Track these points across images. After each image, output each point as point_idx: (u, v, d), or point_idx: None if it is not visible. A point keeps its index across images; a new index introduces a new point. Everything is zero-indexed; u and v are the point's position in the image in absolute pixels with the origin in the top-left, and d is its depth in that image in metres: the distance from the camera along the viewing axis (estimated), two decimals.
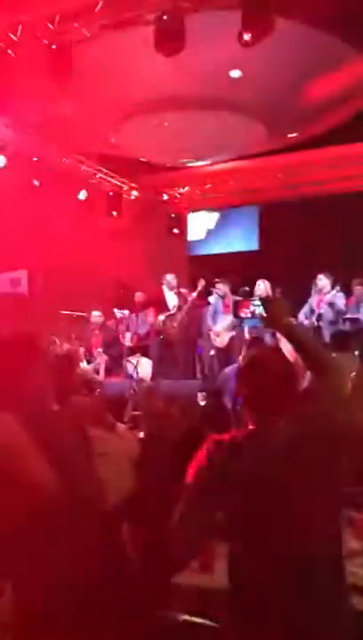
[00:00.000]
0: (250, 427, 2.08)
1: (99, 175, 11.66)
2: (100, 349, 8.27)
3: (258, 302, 7.58)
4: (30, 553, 1.87)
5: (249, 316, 7.43)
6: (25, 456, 1.88)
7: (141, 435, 4.80)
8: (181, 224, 12.31)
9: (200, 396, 6.16)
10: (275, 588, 1.89)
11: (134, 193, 12.51)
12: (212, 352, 9.23)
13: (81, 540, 1.92)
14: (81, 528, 1.94)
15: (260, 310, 7.27)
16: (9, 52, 7.38)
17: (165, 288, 8.78)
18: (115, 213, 11.82)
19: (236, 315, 7.67)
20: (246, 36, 5.84)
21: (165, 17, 6.41)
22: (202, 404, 6.02)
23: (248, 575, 1.95)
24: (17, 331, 2.25)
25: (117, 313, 9.43)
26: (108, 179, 11.90)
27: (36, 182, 10.65)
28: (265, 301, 2.36)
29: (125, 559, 2.09)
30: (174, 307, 8.57)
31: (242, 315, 7.42)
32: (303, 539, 1.91)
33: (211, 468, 2.00)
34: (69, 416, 2.36)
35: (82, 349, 7.79)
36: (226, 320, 9.04)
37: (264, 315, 2.33)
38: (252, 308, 7.48)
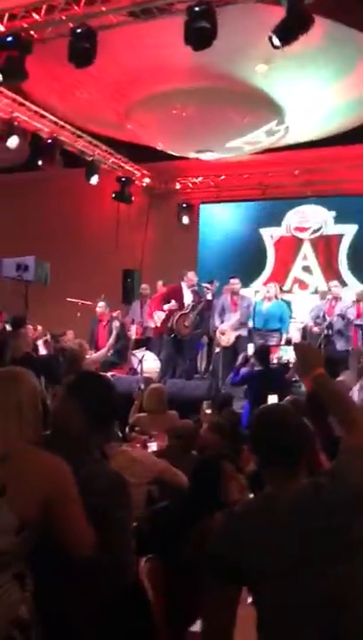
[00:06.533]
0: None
1: (112, 160, 11.43)
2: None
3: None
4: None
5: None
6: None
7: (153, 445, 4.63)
8: (193, 214, 12.08)
9: (206, 404, 6.00)
10: None
11: (146, 180, 12.29)
12: (217, 350, 9.07)
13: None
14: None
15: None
16: (31, 32, 7.17)
17: (184, 285, 8.50)
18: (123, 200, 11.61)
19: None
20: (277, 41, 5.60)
21: (196, 8, 6.17)
22: (208, 412, 5.88)
23: None
24: None
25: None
26: (121, 164, 11.67)
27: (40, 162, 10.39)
28: (297, 348, 2.15)
29: None
30: (188, 305, 8.31)
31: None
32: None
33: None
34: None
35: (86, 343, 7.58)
36: (233, 318, 8.86)
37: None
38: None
